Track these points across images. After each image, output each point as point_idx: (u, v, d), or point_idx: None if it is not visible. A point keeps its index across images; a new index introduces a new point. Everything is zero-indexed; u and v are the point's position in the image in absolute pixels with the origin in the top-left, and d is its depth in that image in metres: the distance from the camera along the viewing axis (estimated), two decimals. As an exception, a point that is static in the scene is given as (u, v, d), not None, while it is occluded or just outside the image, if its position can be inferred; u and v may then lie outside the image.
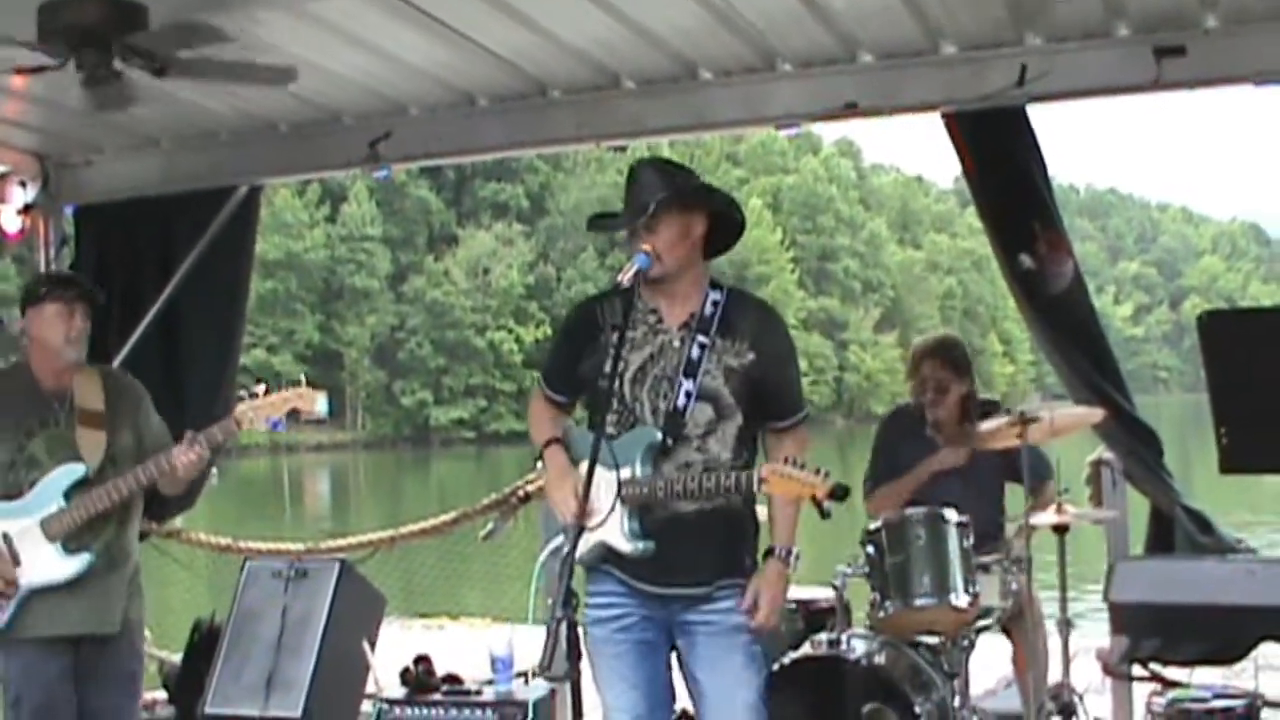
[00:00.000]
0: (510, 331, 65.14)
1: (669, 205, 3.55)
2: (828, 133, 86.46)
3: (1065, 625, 4.82)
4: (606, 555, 3.62)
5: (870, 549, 4.61)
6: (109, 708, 4.58)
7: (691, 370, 3.59)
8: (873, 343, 79.12)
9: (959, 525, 4.56)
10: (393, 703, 5.05)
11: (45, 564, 4.39)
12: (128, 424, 4.60)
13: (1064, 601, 4.85)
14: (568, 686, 3.32)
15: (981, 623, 4.70)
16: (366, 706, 5.45)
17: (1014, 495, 5.01)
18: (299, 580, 5.64)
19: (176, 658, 6.39)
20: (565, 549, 3.32)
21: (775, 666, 4.26)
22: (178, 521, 6.85)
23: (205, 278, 6.32)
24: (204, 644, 6.04)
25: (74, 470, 4.44)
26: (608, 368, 3.49)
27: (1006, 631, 5.00)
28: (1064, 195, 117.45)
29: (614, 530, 3.55)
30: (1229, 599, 3.97)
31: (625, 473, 3.50)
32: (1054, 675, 4.88)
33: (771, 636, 3.75)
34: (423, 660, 5.21)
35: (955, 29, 4.94)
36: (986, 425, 4.89)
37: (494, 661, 5.04)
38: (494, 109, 5.77)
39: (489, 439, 60.21)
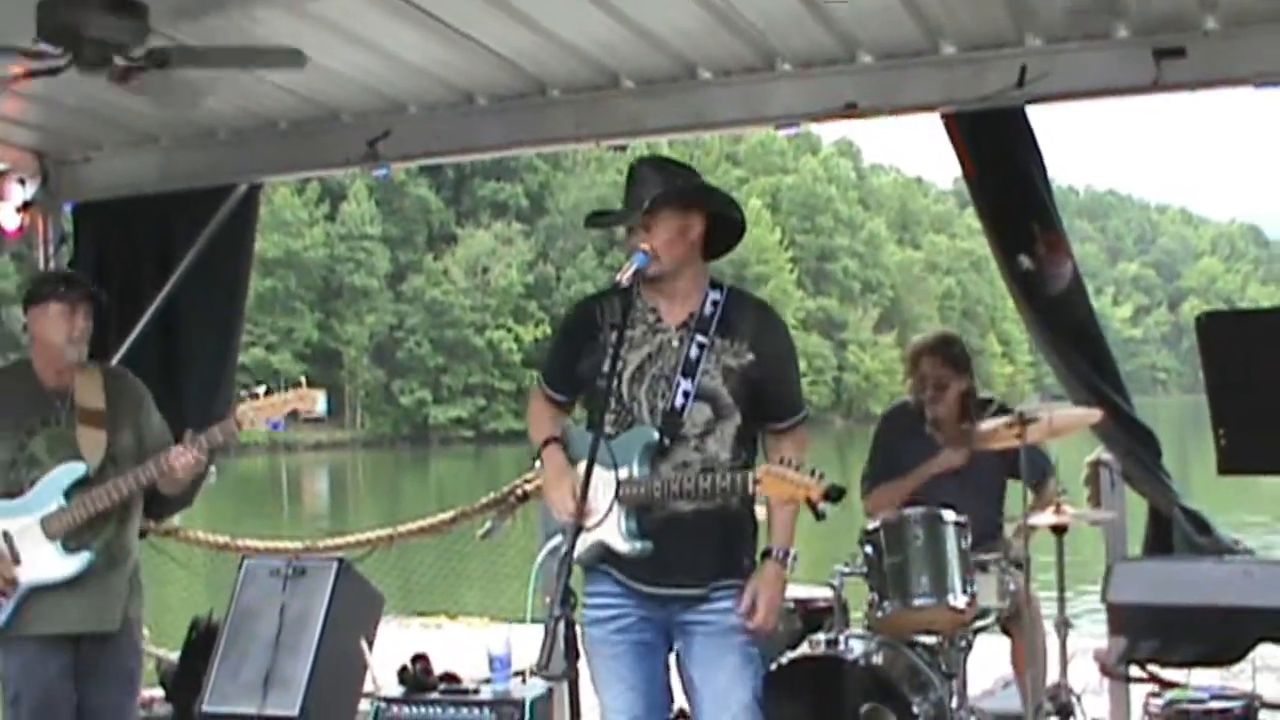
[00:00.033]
0: (509, 331, 65.18)
1: (666, 203, 3.55)
2: (827, 133, 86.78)
3: (1063, 626, 4.82)
4: (604, 555, 3.61)
5: (868, 549, 4.61)
6: (108, 706, 4.58)
7: (690, 370, 3.58)
8: (871, 343, 79.18)
9: (957, 525, 4.56)
10: (390, 701, 5.04)
11: (45, 562, 4.39)
12: (128, 423, 4.60)
13: (1062, 602, 4.85)
14: (565, 686, 3.32)
15: (979, 623, 4.70)
16: (364, 705, 5.45)
17: (1013, 496, 5.01)
18: (297, 579, 5.64)
19: (174, 656, 6.39)
20: (563, 548, 3.32)
21: (773, 666, 4.26)
22: (176, 520, 6.85)
23: (204, 275, 6.31)
24: (201, 642, 6.03)
25: (74, 469, 4.44)
26: (606, 367, 3.49)
27: (1006, 631, 5.00)
28: (1063, 196, 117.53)
29: (611, 530, 3.54)
30: (1227, 600, 3.97)
31: (623, 472, 3.49)
32: (1052, 676, 4.88)
33: (769, 636, 3.74)
34: (420, 659, 5.21)
35: (955, 29, 4.93)
36: (985, 426, 4.89)
37: (492, 660, 5.04)
38: (493, 108, 5.76)
39: (488, 438, 60.23)
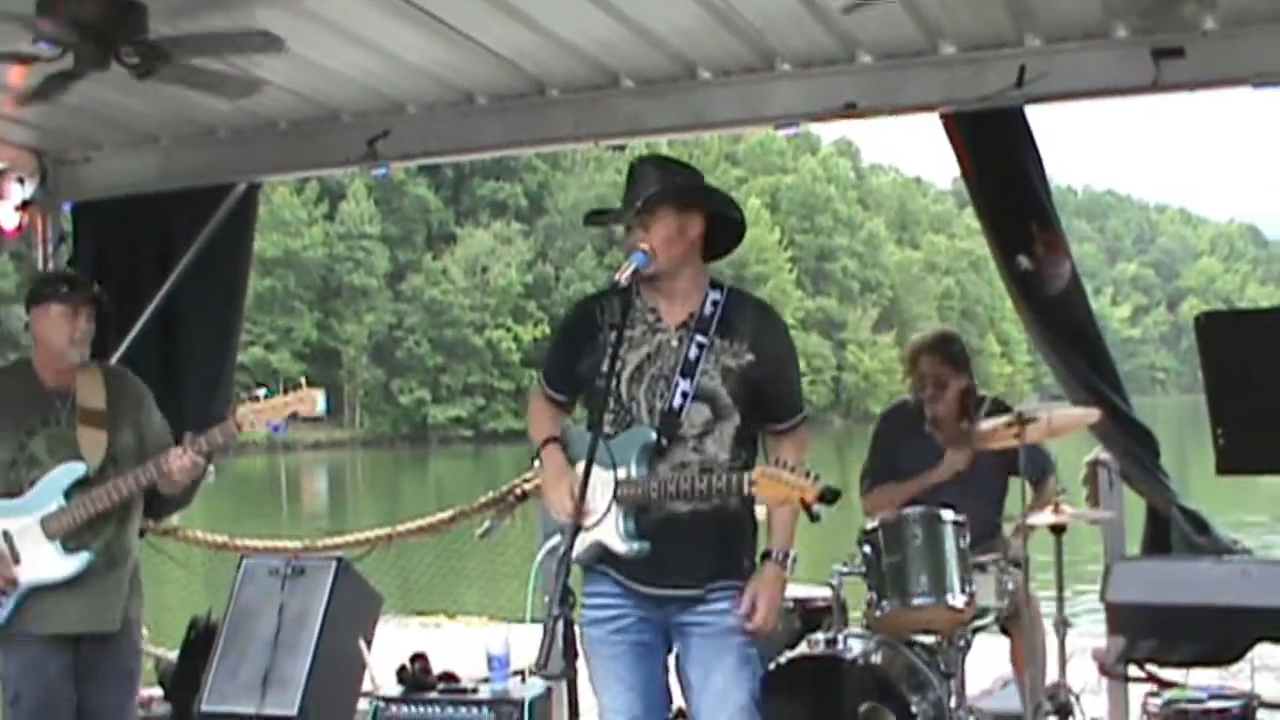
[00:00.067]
0: (508, 330, 65.18)
1: (664, 201, 3.54)
2: (826, 133, 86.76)
3: (1062, 625, 4.82)
4: (602, 555, 3.60)
5: (867, 548, 4.60)
6: (108, 705, 4.59)
7: (689, 370, 3.57)
8: (871, 343, 79.18)
9: (955, 525, 4.55)
10: (389, 701, 5.04)
11: (45, 562, 4.39)
12: (129, 423, 4.60)
13: (1061, 601, 4.85)
14: (564, 685, 3.32)
15: (978, 622, 4.70)
16: (363, 704, 5.44)
17: (1012, 495, 5.02)
18: (296, 578, 5.64)
19: (173, 655, 6.39)
20: (561, 548, 3.31)
21: (772, 666, 4.26)
22: (174, 519, 6.85)
23: (203, 275, 6.32)
24: (200, 641, 6.03)
25: (74, 469, 4.44)
26: (605, 367, 3.49)
27: (1006, 631, 5.00)
28: (1062, 196, 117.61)
29: (609, 530, 3.53)
30: (1225, 600, 3.98)
31: (621, 473, 3.48)
32: (1051, 675, 4.88)
33: (768, 636, 3.73)
34: (419, 658, 5.21)
35: (954, 29, 4.94)
36: (985, 426, 4.89)
37: (490, 660, 5.04)
38: (493, 108, 5.77)
39: (487, 437, 60.23)
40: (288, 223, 62.06)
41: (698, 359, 3.57)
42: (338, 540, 6.99)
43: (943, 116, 5.17)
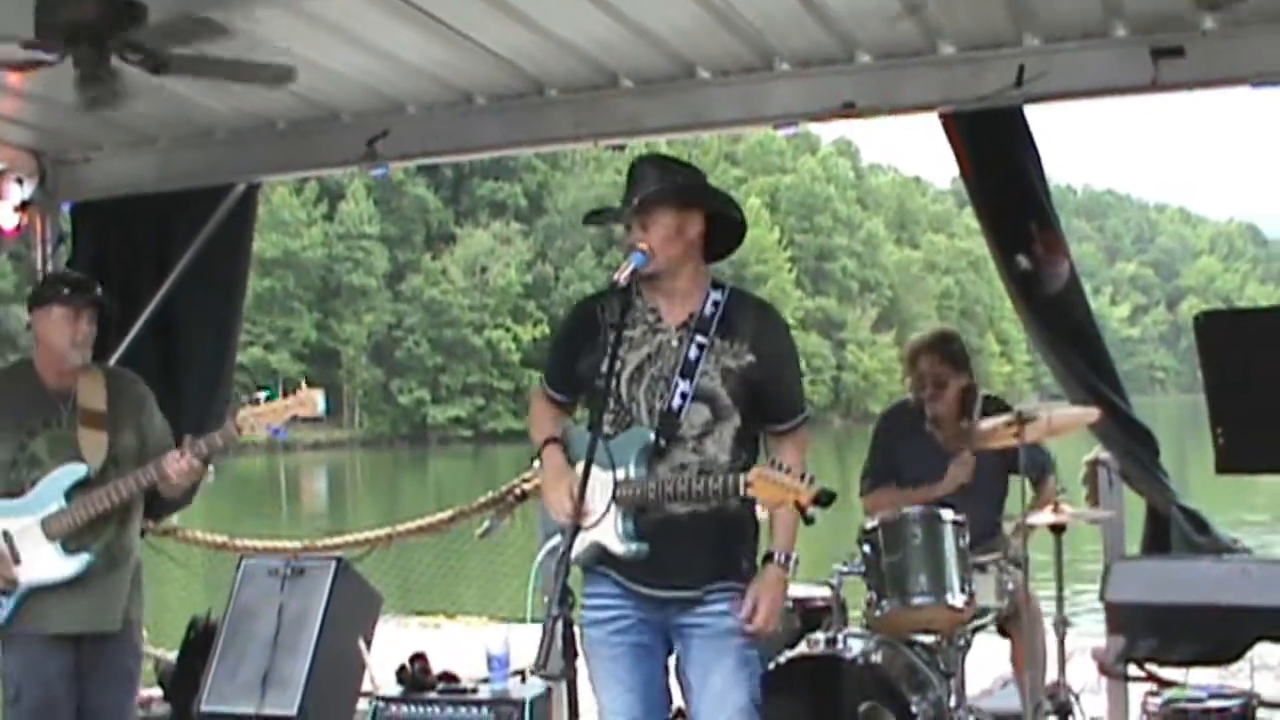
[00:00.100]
0: (508, 330, 65.16)
1: (662, 200, 3.53)
2: (826, 132, 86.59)
3: (1062, 625, 4.82)
4: (602, 556, 3.59)
5: (867, 548, 4.60)
6: (108, 705, 4.60)
7: (688, 371, 3.56)
8: (870, 342, 79.16)
9: (955, 524, 4.56)
10: (389, 701, 5.05)
11: (45, 563, 4.40)
12: (130, 424, 4.61)
13: (1060, 601, 4.85)
14: (564, 685, 3.31)
15: (977, 622, 4.70)
16: (362, 704, 5.45)
17: (1012, 495, 5.01)
18: (295, 578, 5.64)
19: (172, 655, 6.39)
20: (561, 549, 3.31)
21: (771, 665, 4.26)
22: (174, 519, 6.85)
23: (202, 275, 6.31)
24: (200, 642, 6.04)
25: (75, 470, 4.45)
26: (604, 367, 3.48)
27: (1004, 631, 5.00)
28: (1061, 196, 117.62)
29: (608, 531, 3.52)
30: (1225, 599, 3.98)
31: (620, 473, 3.47)
32: (1050, 675, 4.88)
33: (768, 637, 3.73)
34: (419, 658, 5.21)
35: (953, 29, 4.94)
36: (985, 425, 4.88)
37: (490, 660, 5.04)
38: (491, 108, 5.76)
39: (486, 437, 60.20)
40: (287, 223, 62.05)
41: (698, 359, 3.56)
42: (337, 540, 6.99)
43: (942, 116, 5.17)
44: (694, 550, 3.55)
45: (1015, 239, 5.12)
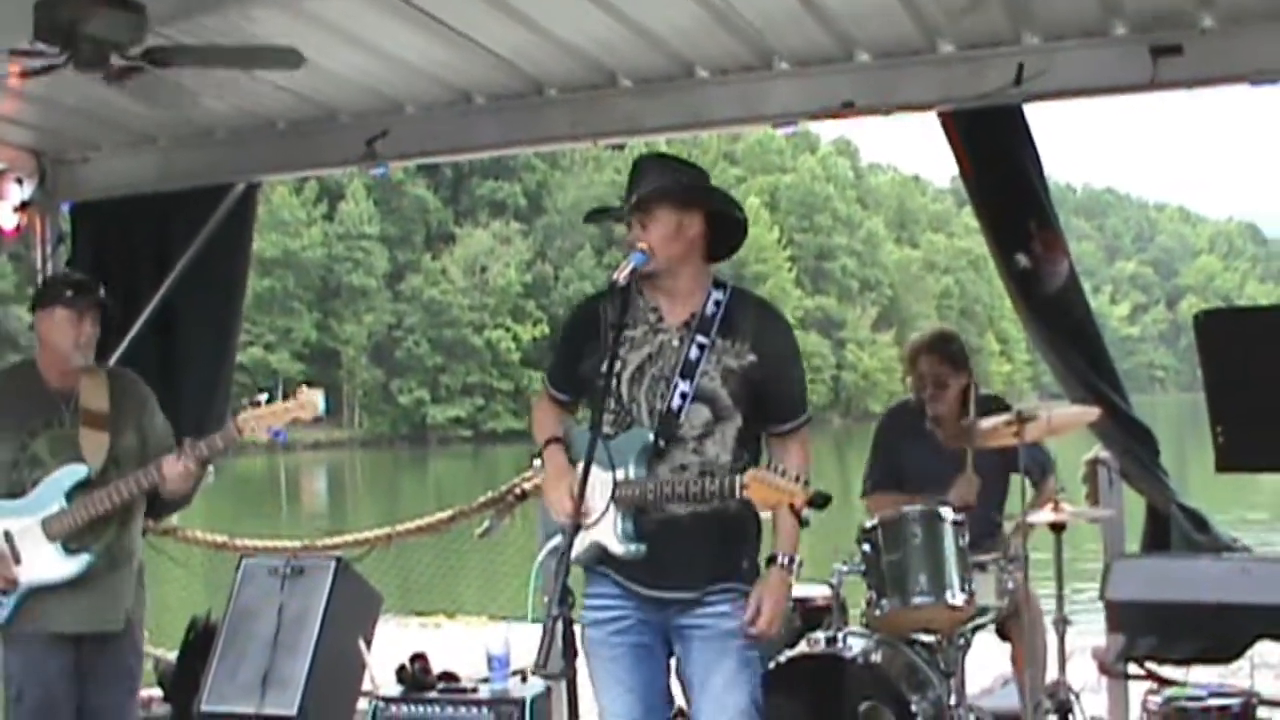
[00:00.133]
0: (507, 330, 65.17)
1: (661, 199, 3.52)
2: (825, 132, 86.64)
3: (1062, 623, 4.82)
4: (602, 556, 3.58)
5: (866, 547, 4.61)
6: (109, 705, 4.60)
7: (689, 371, 3.54)
8: (870, 341, 79.18)
9: (955, 524, 4.55)
10: (389, 700, 5.05)
11: (45, 563, 4.41)
12: (131, 425, 4.62)
13: (1060, 600, 4.85)
14: (564, 685, 3.31)
15: (977, 621, 4.70)
16: (362, 704, 5.44)
17: (1012, 494, 5.01)
18: (295, 578, 5.64)
19: (172, 656, 6.39)
20: (561, 548, 3.31)
21: (771, 665, 4.26)
22: (174, 519, 6.86)
23: (202, 275, 6.31)
24: (200, 642, 6.04)
25: (76, 471, 4.46)
26: (605, 367, 3.47)
27: (1004, 633, 4.99)
28: (1060, 194, 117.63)
29: (607, 531, 3.52)
30: (1225, 597, 3.97)
31: (619, 474, 3.46)
32: (1050, 673, 4.88)
33: (770, 639, 3.72)
34: (419, 658, 5.21)
35: (952, 28, 4.93)
36: (985, 424, 4.88)
37: (490, 659, 5.04)
38: (491, 107, 5.76)
39: (486, 437, 60.20)
40: (286, 223, 62.04)
41: (698, 360, 3.55)
42: (337, 540, 6.99)
43: (941, 115, 5.17)
44: (694, 551, 3.53)
45: (1015, 238, 5.12)
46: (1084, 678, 5.29)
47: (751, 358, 3.56)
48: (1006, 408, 4.93)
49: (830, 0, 4.69)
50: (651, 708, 3.64)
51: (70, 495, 4.42)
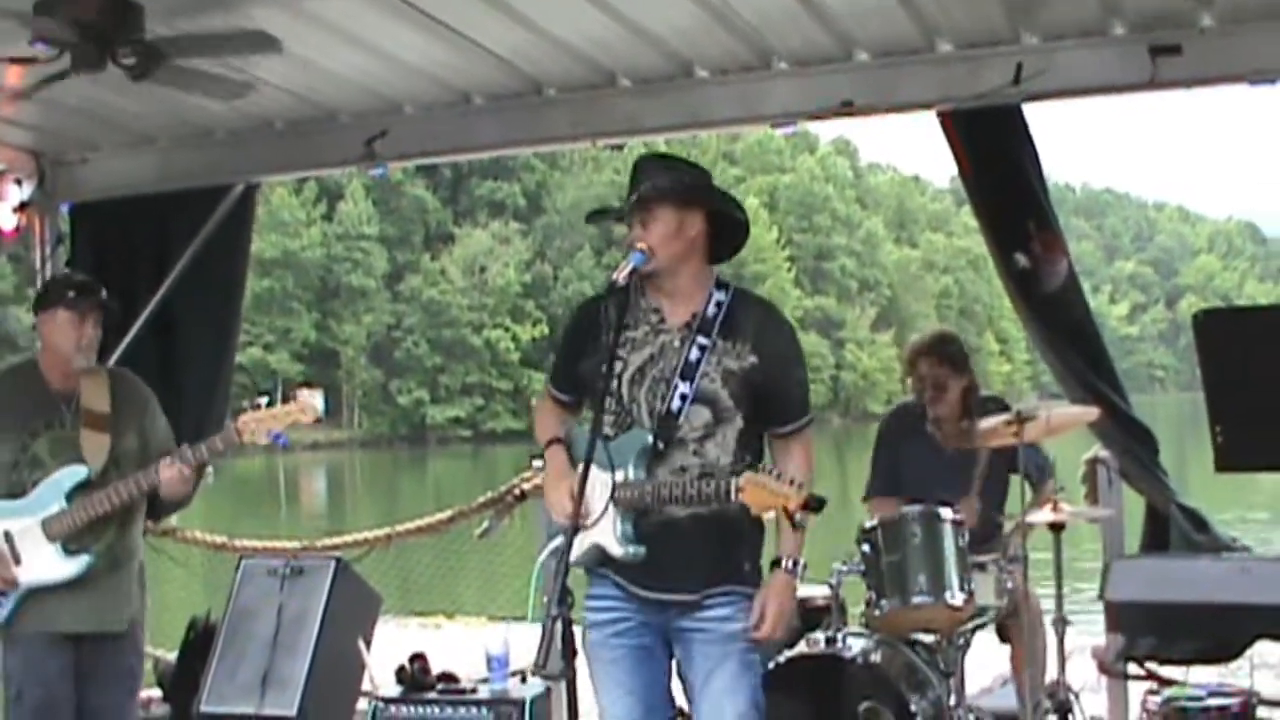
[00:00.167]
0: (507, 330, 65.18)
1: (661, 198, 3.50)
2: (824, 131, 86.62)
3: (1061, 623, 4.82)
4: (602, 558, 3.56)
5: (866, 547, 4.60)
6: (109, 705, 4.61)
7: (689, 372, 3.52)
8: (869, 341, 79.22)
9: (954, 524, 4.55)
10: (388, 701, 5.04)
11: (45, 564, 4.41)
12: (133, 427, 4.63)
13: (1060, 599, 4.84)
14: (563, 685, 3.31)
15: (976, 621, 4.70)
16: (362, 705, 5.44)
17: (1012, 495, 5.01)
18: (295, 578, 5.64)
19: (172, 656, 6.39)
20: (561, 549, 3.30)
21: (771, 665, 4.26)
22: (173, 519, 6.84)
23: (201, 276, 6.31)
24: (199, 642, 6.03)
25: (76, 472, 4.46)
26: (604, 368, 3.46)
27: (1003, 633, 4.99)
28: (1060, 194, 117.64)
29: (607, 533, 3.50)
30: (1224, 597, 3.98)
31: (619, 475, 3.45)
32: (1050, 673, 4.88)
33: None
34: (418, 658, 5.21)
35: (951, 27, 4.94)
36: (984, 424, 4.88)
37: (490, 660, 5.04)
38: (490, 107, 5.76)
39: (485, 438, 60.20)
40: (286, 223, 62.06)
41: (698, 361, 3.52)
42: (336, 541, 6.99)
43: (940, 115, 5.17)
44: (694, 553, 3.51)
45: (1014, 237, 5.12)
46: (1083, 677, 5.29)
47: (752, 359, 3.54)
48: (1005, 408, 4.93)
49: (829, 0, 4.69)
50: (652, 710, 3.62)
51: (70, 496, 4.43)
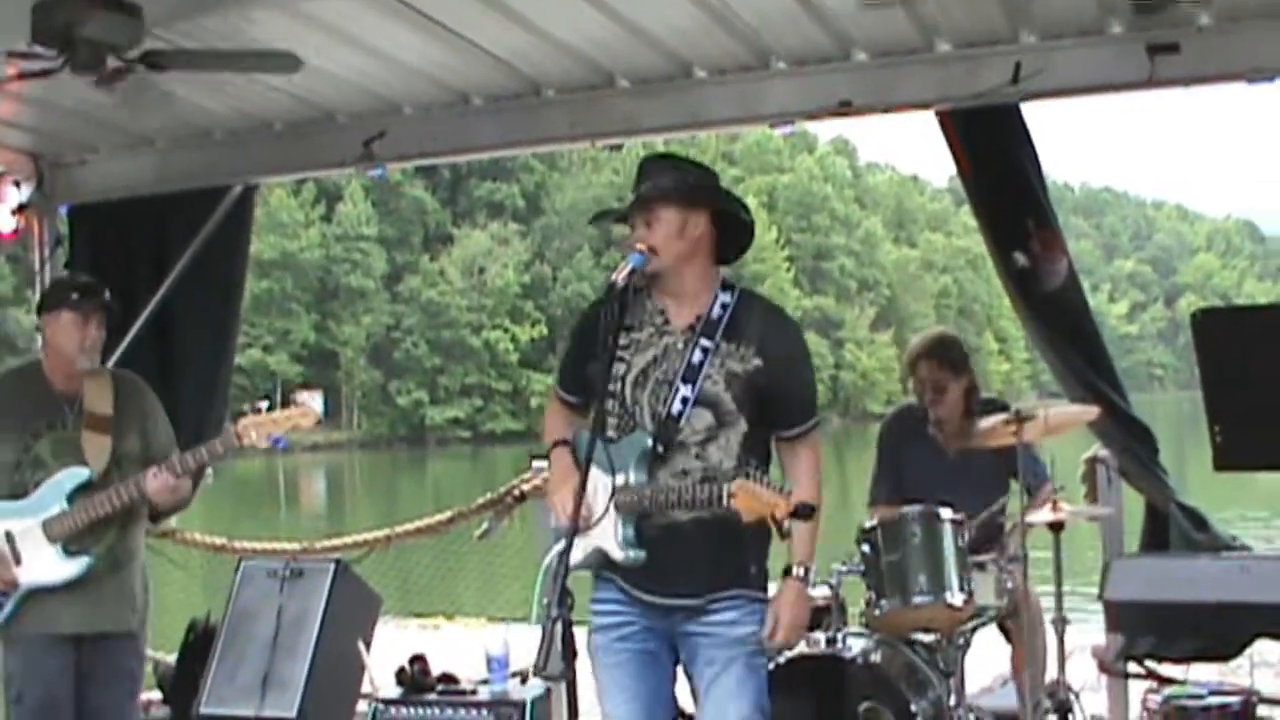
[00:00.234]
0: (506, 331, 65.18)
1: (665, 199, 3.48)
2: (823, 131, 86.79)
3: (1061, 623, 4.82)
4: (605, 562, 3.53)
5: (866, 547, 4.60)
6: (109, 706, 4.60)
7: (691, 375, 3.48)
8: (868, 341, 79.22)
9: (954, 524, 4.55)
10: (388, 702, 5.04)
11: (45, 565, 4.41)
12: (134, 429, 4.63)
13: (1059, 599, 4.84)
14: (563, 686, 3.31)
15: (976, 621, 4.70)
16: (362, 706, 5.44)
17: (1011, 495, 5.01)
18: (294, 580, 5.64)
19: (171, 658, 6.38)
20: (562, 551, 3.29)
21: (771, 665, 4.24)
22: (173, 521, 6.84)
23: (200, 277, 6.31)
24: (199, 644, 6.03)
25: (78, 474, 4.47)
26: (604, 370, 3.43)
27: (1004, 630, 4.99)
28: (1059, 193, 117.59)
29: (608, 537, 3.48)
30: (1224, 596, 3.98)
31: (620, 478, 3.43)
32: (1050, 673, 4.88)
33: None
34: (418, 660, 5.21)
35: (950, 27, 4.94)
36: (984, 424, 4.88)
37: (490, 661, 5.04)
38: (488, 108, 5.76)
39: (484, 438, 60.19)
40: (284, 224, 62.05)
41: (701, 363, 3.49)
42: (336, 542, 6.99)
43: (938, 114, 5.17)
44: (697, 557, 3.47)
45: (1013, 237, 5.12)
46: (1083, 677, 5.29)
47: (757, 362, 3.50)
48: (1004, 409, 4.93)
49: (827, 0, 4.69)
50: (655, 714, 3.59)
51: (71, 497, 4.43)
